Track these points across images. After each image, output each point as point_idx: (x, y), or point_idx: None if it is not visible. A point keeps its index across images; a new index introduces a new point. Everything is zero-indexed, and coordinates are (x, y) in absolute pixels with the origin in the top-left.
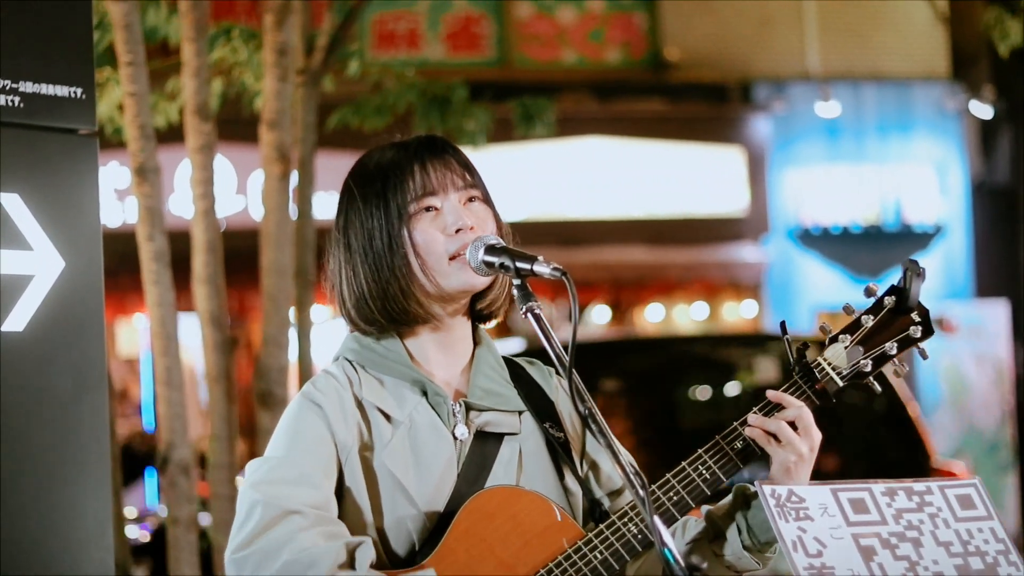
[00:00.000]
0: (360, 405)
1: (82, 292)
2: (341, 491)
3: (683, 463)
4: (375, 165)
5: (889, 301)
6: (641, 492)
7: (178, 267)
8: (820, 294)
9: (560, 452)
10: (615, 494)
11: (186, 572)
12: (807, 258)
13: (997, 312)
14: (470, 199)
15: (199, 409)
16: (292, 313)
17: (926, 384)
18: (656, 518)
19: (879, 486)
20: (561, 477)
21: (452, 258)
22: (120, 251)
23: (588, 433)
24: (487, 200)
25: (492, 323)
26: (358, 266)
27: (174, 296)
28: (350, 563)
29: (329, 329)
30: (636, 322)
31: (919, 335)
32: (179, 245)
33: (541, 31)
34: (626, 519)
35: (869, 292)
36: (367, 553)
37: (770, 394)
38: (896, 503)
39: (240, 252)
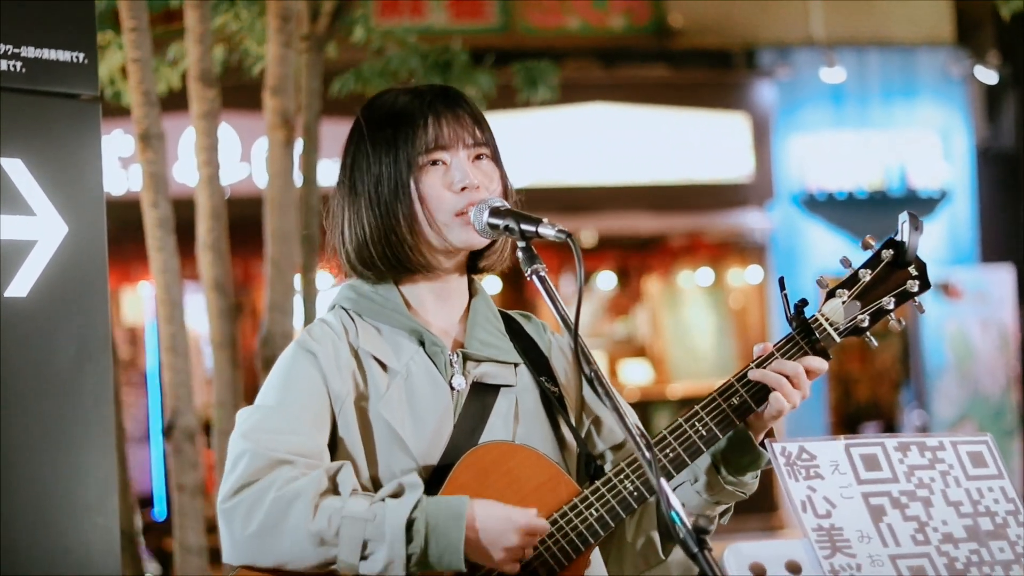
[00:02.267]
0: (356, 354)
1: (85, 257)
2: (334, 441)
3: (679, 419)
4: (388, 109)
5: (887, 254)
6: (647, 454)
7: (182, 234)
8: (825, 260)
9: (556, 405)
10: (617, 448)
11: (192, 539)
12: (812, 224)
13: (1002, 277)
14: (479, 156)
15: (204, 376)
16: (297, 279)
17: (931, 349)
18: (663, 480)
19: (892, 441)
20: (557, 431)
21: (458, 215)
22: (125, 219)
23: (586, 388)
24: (495, 158)
25: (487, 276)
26: (362, 209)
27: (179, 263)
28: (334, 488)
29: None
30: (642, 288)
31: (916, 289)
32: (183, 212)
33: None
34: (622, 475)
35: (866, 245)
36: (348, 476)
37: (766, 347)
38: (908, 459)
39: (244, 219)
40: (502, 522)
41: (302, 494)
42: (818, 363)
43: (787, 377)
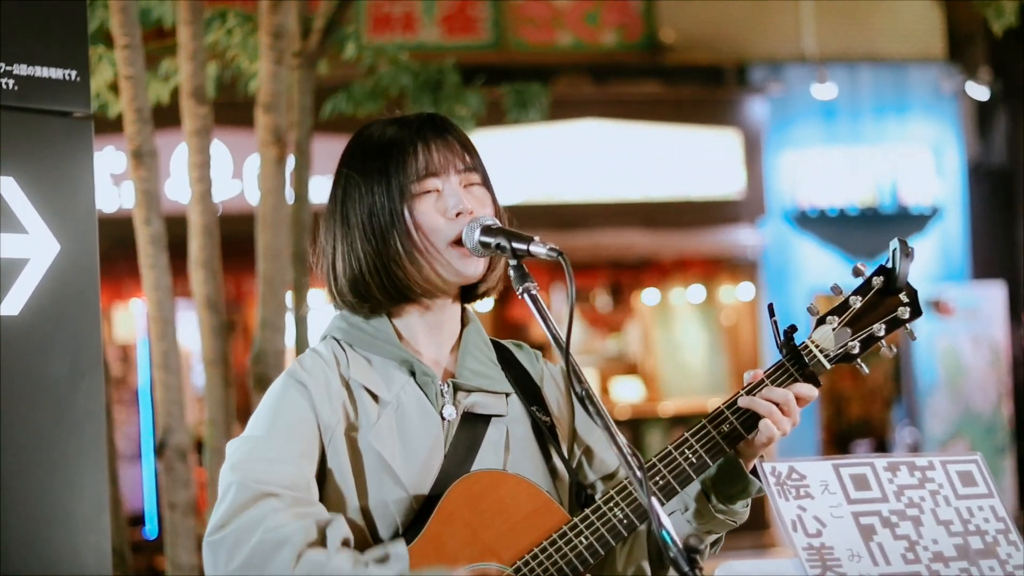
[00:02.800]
0: (347, 385)
1: (77, 275)
2: (324, 472)
3: (668, 446)
4: (376, 140)
5: (877, 282)
6: (639, 474)
7: (175, 251)
8: (817, 276)
9: (547, 435)
10: (608, 478)
11: (183, 557)
12: (803, 240)
13: (994, 294)
14: (470, 182)
15: (196, 393)
16: (289, 297)
17: (923, 366)
18: (653, 500)
19: (881, 461)
20: (548, 460)
21: (453, 244)
22: (117, 236)
23: (578, 418)
24: (486, 183)
25: (480, 303)
26: (356, 241)
27: (171, 280)
28: (321, 541)
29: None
30: (633, 305)
31: (907, 316)
32: (176, 229)
33: (537, 14)
34: (611, 503)
35: (857, 272)
36: (338, 530)
37: (756, 374)
38: (898, 479)
39: (237, 236)
40: None
41: (288, 541)
42: (807, 390)
43: (777, 405)
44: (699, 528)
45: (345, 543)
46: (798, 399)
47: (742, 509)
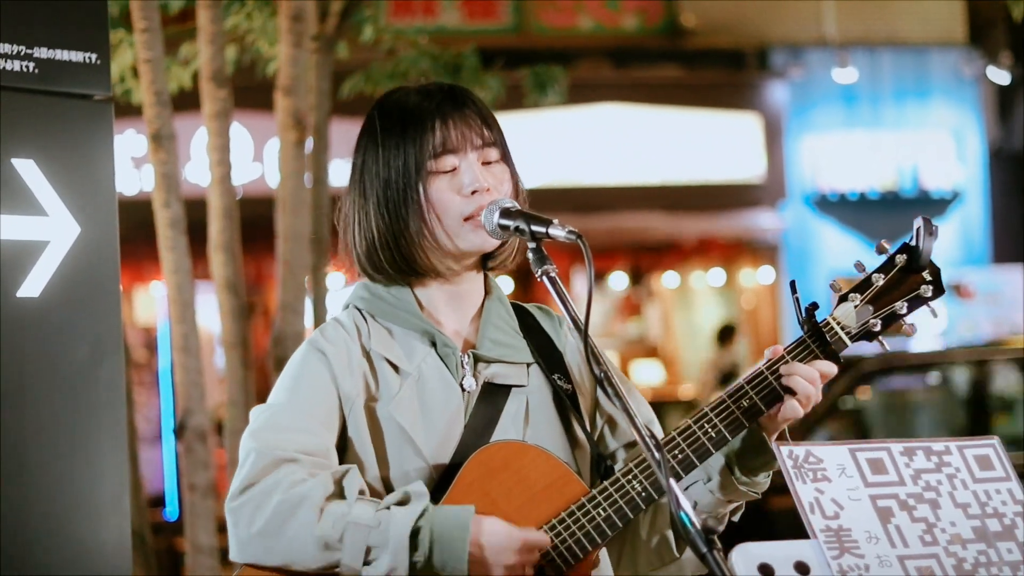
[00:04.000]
0: (368, 355)
1: (98, 258)
2: (344, 442)
3: (688, 421)
4: (398, 109)
5: (900, 259)
6: (657, 455)
7: (194, 234)
8: (837, 260)
9: (568, 404)
10: (630, 445)
11: (203, 538)
12: (824, 224)
13: (1014, 278)
14: (488, 159)
15: (216, 376)
16: (308, 279)
17: None
18: (672, 481)
19: (897, 446)
20: (568, 430)
21: (467, 219)
22: (137, 219)
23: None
24: (505, 159)
25: (506, 278)
26: (371, 212)
27: (190, 263)
28: (339, 493)
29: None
30: (654, 289)
31: (930, 294)
32: (195, 212)
33: None
34: (631, 476)
35: (880, 250)
36: (354, 481)
37: (776, 350)
38: (914, 463)
39: (256, 219)
40: (505, 539)
41: (308, 497)
42: (827, 367)
43: (806, 380)
44: (721, 498)
45: (362, 492)
46: (820, 376)
47: (764, 480)
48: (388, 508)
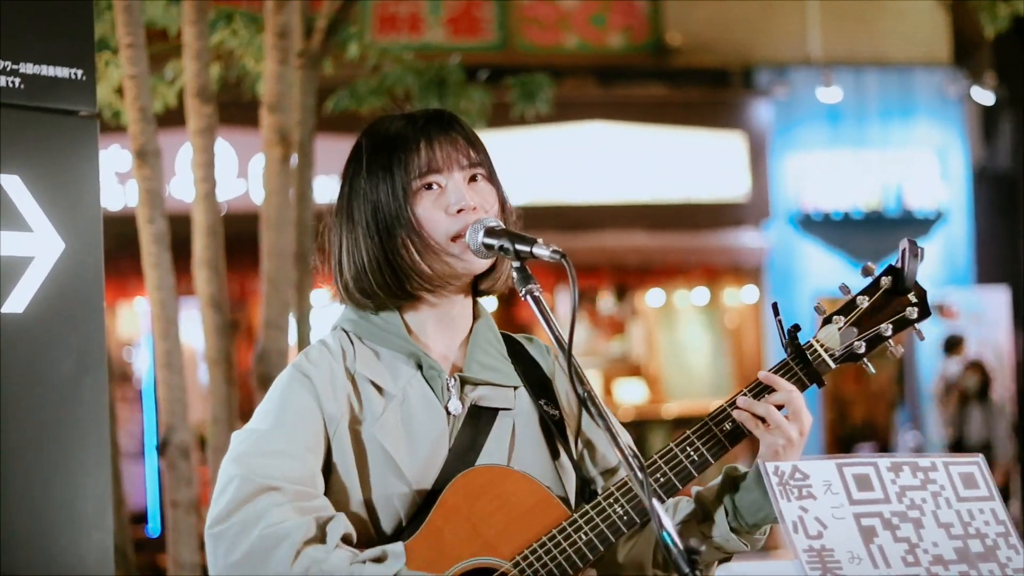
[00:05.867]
0: (352, 377)
1: (82, 274)
2: (329, 465)
3: (671, 444)
4: (383, 136)
5: (886, 282)
6: (639, 475)
7: (179, 250)
8: (821, 279)
9: (554, 430)
10: (608, 473)
11: (186, 555)
12: (808, 243)
13: (998, 298)
14: (474, 178)
15: (199, 392)
16: (292, 296)
17: (927, 370)
18: (655, 501)
19: (885, 461)
20: (554, 455)
21: (454, 238)
22: (121, 234)
23: (585, 413)
24: (491, 178)
25: (491, 298)
26: (360, 237)
27: (174, 279)
28: (321, 537)
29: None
30: (637, 307)
31: (915, 316)
32: (180, 228)
33: (543, 15)
34: (612, 499)
35: (866, 272)
36: (338, 528)
37: (761, 375)
38: (900, 479)
39: (241, 235)
40: None
41: (288, 537)
42: (783, 396)
43: (760, 419)
44: (717, 553)
45: (346, 540)
46: (778, 405)
47: (760, 536)
48: (364, 563)
